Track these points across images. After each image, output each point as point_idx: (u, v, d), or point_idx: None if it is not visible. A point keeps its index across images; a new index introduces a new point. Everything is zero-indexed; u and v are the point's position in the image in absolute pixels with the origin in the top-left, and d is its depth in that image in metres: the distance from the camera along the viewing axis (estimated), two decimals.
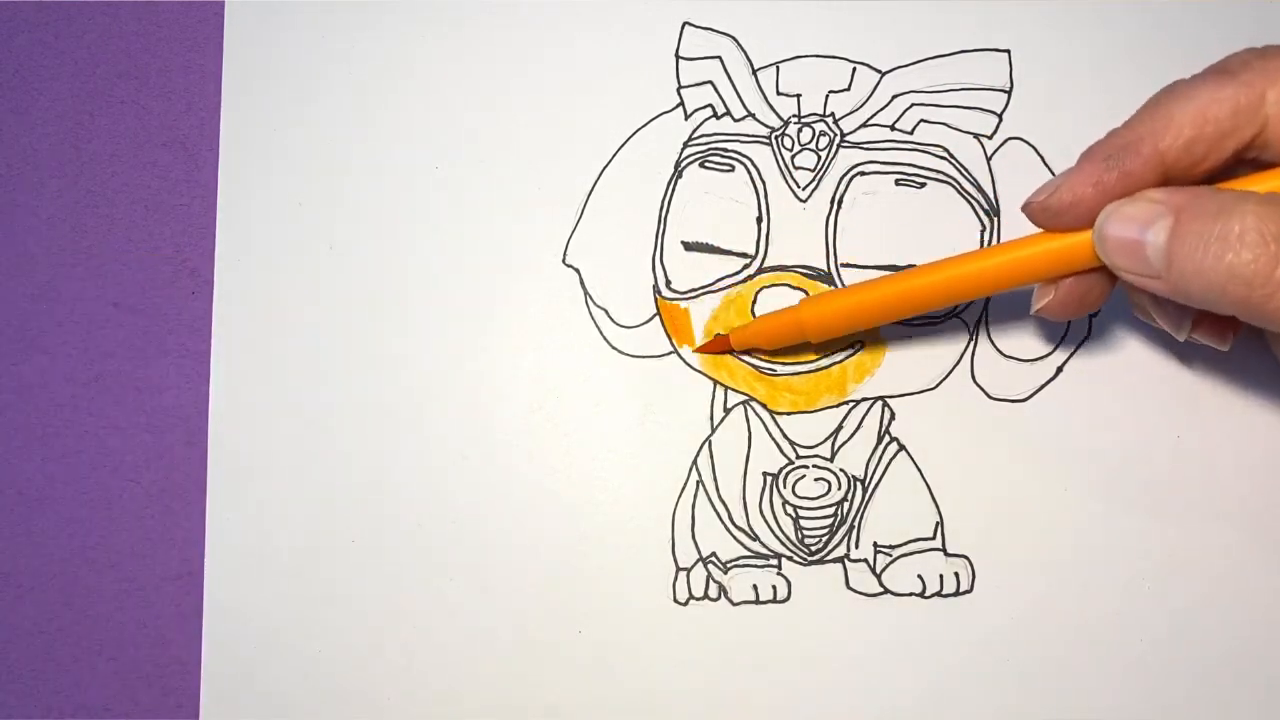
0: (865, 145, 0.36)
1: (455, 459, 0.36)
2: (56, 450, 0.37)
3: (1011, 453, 0.35)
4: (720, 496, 0.35)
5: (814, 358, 0.36)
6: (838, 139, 0.36)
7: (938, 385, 0.36)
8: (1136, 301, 0.32)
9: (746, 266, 0.36)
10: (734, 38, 0.37)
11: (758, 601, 0.35)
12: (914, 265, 0.36)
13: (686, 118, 0.37)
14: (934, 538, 0.35)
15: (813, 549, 0.35)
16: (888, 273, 0.36)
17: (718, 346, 0.35)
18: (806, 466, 0.35)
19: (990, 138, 0.36)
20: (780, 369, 0.36)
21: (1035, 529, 0.35)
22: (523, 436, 0.36)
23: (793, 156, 0.36)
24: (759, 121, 0.36)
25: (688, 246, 0.36)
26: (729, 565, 0.35)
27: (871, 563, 0.35)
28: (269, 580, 0.36)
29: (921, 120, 0.36)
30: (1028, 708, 0.34)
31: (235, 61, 0.38)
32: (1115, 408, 0.35)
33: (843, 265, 0.36)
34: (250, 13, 0.38)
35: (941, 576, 0.35)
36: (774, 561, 0.35)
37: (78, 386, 0.37)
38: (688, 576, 0.35)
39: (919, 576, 0.35)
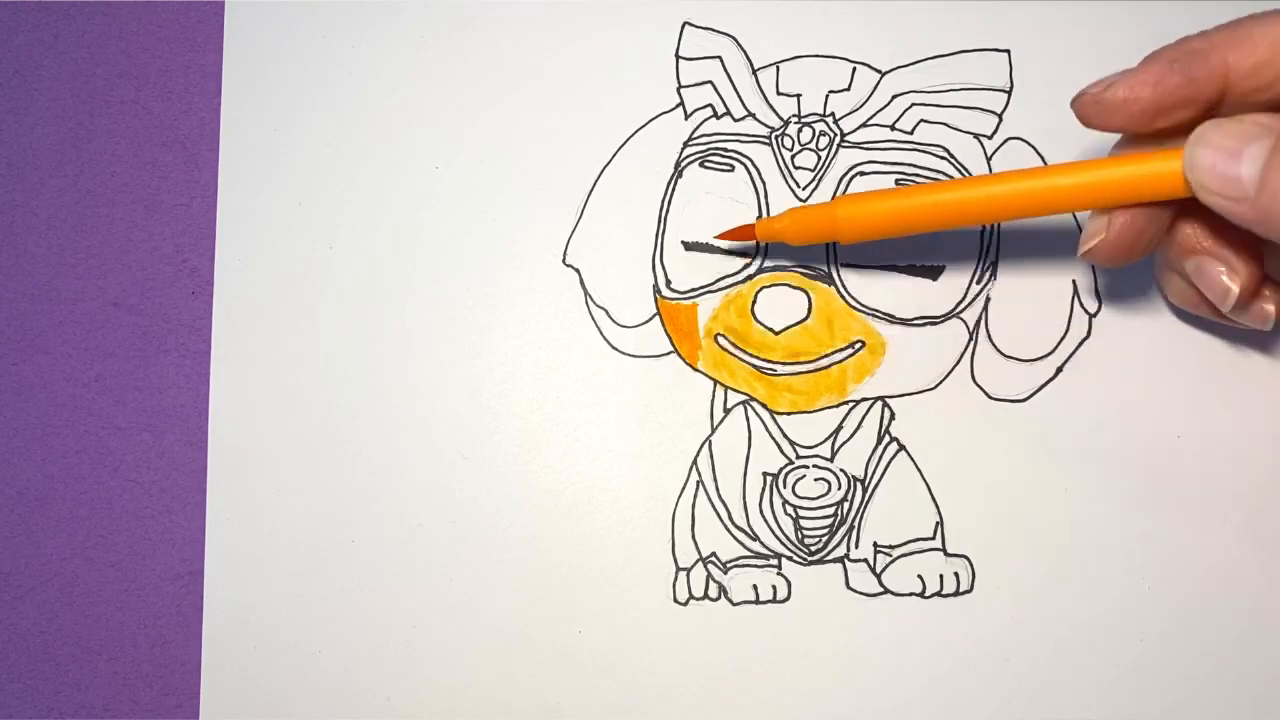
0: (865, 145, 0.36)
1: (455, 459, 0.36)
2: (56, 450, 0.37)
3: (1011, 453, 0.35)
4: (720, 496, 0.35)
5: (814, 357, 0.36)
6: (838, 139, 0.36)
7: (938, 385, 0.36)
8: (1173, 285, 0.32)
9: (746, 266, 0.36)
10: (734, 38, 0.37)
11: (758, 601, 0.35)
12: (914, 266, 0.36)
13: (686, 118, 0.37)
14: (934, 538, 0.35)
15: (813, 549, 0.35)
16: (891, 277, 0.36)
17: (742, 235, 0.34)
18: (806, 466, 0.35)
19: (990, 138, 0.36)
20: (780, 369, 0.36)
21: (1035, 529, 0.35)
22: (523, 436, 0.36)
23: (793, 156, 0.36)
24: (759, 121, 0.36)
25: (688, 246, 0.36)
26: (729, 565, 0.35)
27: (871, 563, 0.35)
28: (269, 580, 0.36)
29: (921, 120, 0.36)
30: (1028, 708, 0.34)
31: (235, 61, 0.38)
32: (1115, 408, 0.35)
33: (843, 265, 0.36)
34: (250, 13, 0.38)
35: (941, 576, 0.35)
36: (774, 561, 0.35)
37: (78, 386, 0.37)
38: (688, 576, 0.35)
39: (919, 576, 0.35)
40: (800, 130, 0.36)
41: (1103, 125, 0.29)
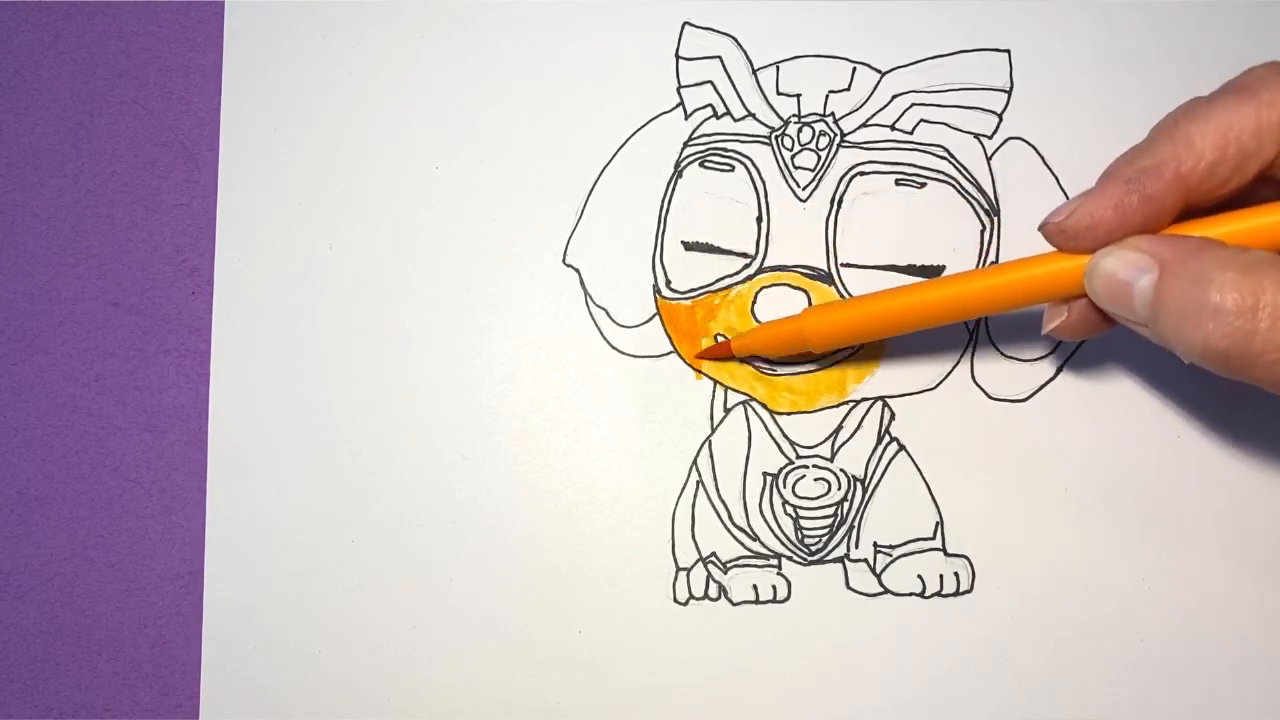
0: (865, 145, 0.36)
1: (455, 459, 0.36)
2: (56, 450, 0.37)
3: (1011, 453, 0.35)
4: (720, 496, 0.35)
5: (814, 357, 0.36)
6: (838, 139, 0.36)
7: (938, 385, 0.36)
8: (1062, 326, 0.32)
9: (746, 266, 0.36)
10: (734, 38, 0.37)
11: (758, 601, 0.35)
12: (914, 265, 0.36)
13: (686, 118, 0.37)
14: (934, 538, 0.35)
15: (813, 549, 0.35)
16: (892, 277, 0.36)
17: (719, 352, 0.35)
18: (806, 466, 0.35)
19: (990, 138, 0.36)
20: (780, 369, 0.36)
21: (1035, 529, 0.35)
22: (523, 436, 0.36)
23: (793, 156, 0.36)
24: (759, 121, 0.36)
25: (688, 246, 0.36)
26: (729, 565, 0.35)
27: (871, 563, 0.35)
28: (269, 580, 0.36)
29: (921, 120, 0.36)
30: (1028, 708, 0.34)
31: (235, 61, 0.38)
32: (1115, 408, 0.35)
33: (843, 265, 0.36)
34: (250, 13, 0.38)
35: (941, 576, 0.35)
36: (774, 561, 0.35)
37: (78, 386, 0.37)
38: (688, 576, 0.35)
39: (919, 576, 0.35)
40: (800, 130, 0.36)
41: (1073, 250, 0.29)
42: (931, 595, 0.35)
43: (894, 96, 0.36)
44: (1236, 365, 0.25)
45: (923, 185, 0.36)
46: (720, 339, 0.36)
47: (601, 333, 0.36)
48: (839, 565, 0.35)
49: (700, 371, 0.36)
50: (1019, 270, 0.30)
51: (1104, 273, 0.28)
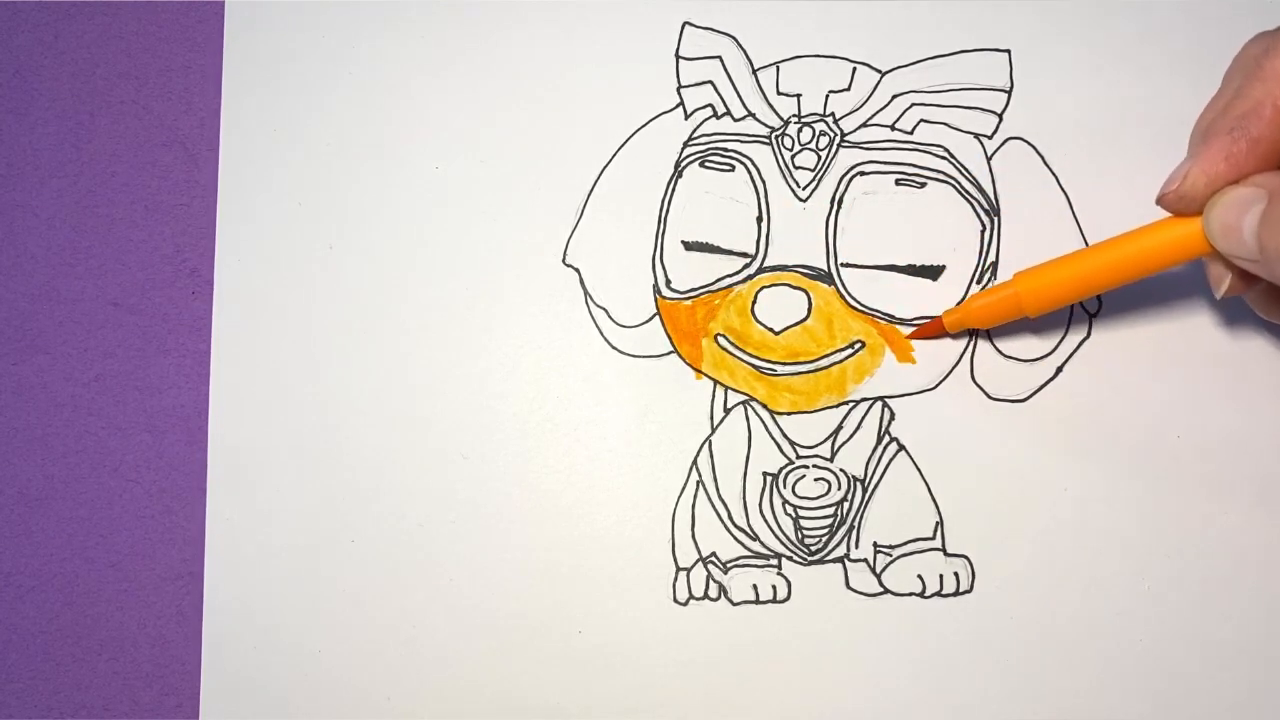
0: (865, 145, 0.36)
1: (455, 459, 0.36)
2: (56, 450, 0.37)
3: (1011, 453, 0.35)
4: (720, 496, 0.35)
5: (814, 357, 0.36)
6: (838, 139, 0.36)
7: (938, 385, 0.36)
8: (1253, 298, 0.32)
9: (747, 266, 0.36)
10: (734, 38, 0.37)
11: (758, 601, 0.35)
12: (914, 265, 0.36)
13: (686, 117, 0.37)
14: (934, 538, 0.35)
15: (813, 549, 0.35)
16: (892, 277, 0.36)
17: (931, 331, 0.35)
18: (806, 466, 0.35)
19: (990, 138, 0.36)
20: (780, 369, 0.36)
21: (1035, 529, 0.35)
22: (522, 436, 0.36)
23: (793, 156, 0.36)
24: (759, 121, 0.36)
25: (688, 246, 0.36)
26: (729, 565, 0.35)
27: (871, 563, 0.35)
28: (269, 580, 0.36)
29: (921, 120, 0.36)
30: (1028, 708, 0.34)
31: (235, 61, 0.38)
32: (1115, 408, 0.35)
33: (843, 265, 0.36)
34: (250, 13, 0.38)
35: (941, 576, 0.35)
36: (774, 561, 0.35)
37: (78, 386, 0.37)
38: (688, 576, 0.35)
39: (919, 576, 0.35)
40: (800, 130, 0.36)
41: (1194, 212, 0.29)
42: (931, 595, 0.35)
43: (894, 96, 0.36)
44: None
45: (923, 185, 0.36)
46: (720, 340, 0.36)
47: (601, 333, 0.36)
48: (839, 565, 0.35)
49: (700, 371, 0.36)
50: (1156, 234, 0.30)
51: (1219, 210, 0.27)
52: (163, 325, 0.37)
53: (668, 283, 0.36)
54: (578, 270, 0.37)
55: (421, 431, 0.36)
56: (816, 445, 0.36)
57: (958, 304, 0.35)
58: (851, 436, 0.36)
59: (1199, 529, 0.35)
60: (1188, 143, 0.30)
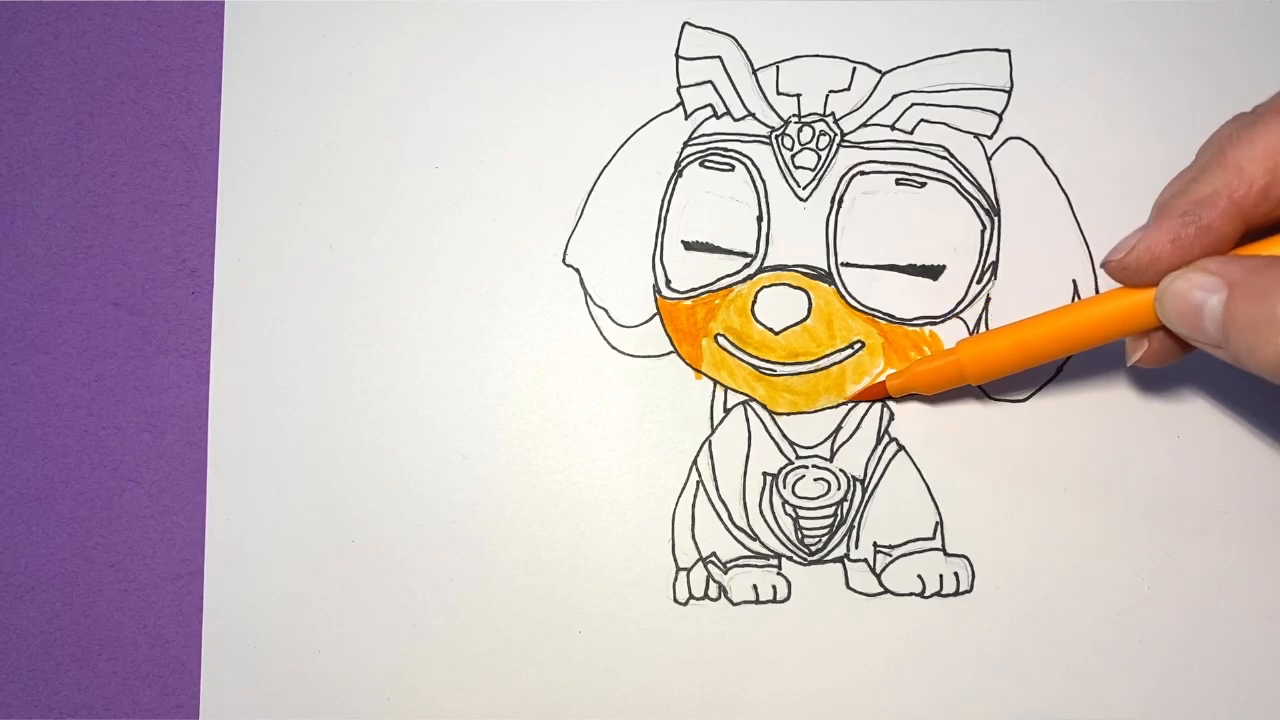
0: (865, 145, 0.36)
1: (455, 459, 0.36)
2: (56, 450, 0.37)
3: (1011, 453, 0.35)
4: (720, 496, 0.35)
5: (814, 357, 0.36)
6: (838, 138, 0.36)
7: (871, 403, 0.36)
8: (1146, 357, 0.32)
9: (747, 266, 0.36)
10: (734, 37, 0.37)
11: (758, 601, 0.35)
12: (914, 265, 0.36)
13: (686, 117, 0.37)
14: (934, 538, 0.35)
15: (813, 549, 0.35)
16: (892, 277, 0.36)
17: (873, 394, 0.35)
18: (806, 466, 0.35)
19: (990, 137, 0.36)
20: (780, 369, 0.36)
21: (1035, 529, 0.35)
22: (523, 436, 0.36)
23: (793, 156, 0.36)
24: (759, 121, 0.36)
25: (688, 246, 0.36)
26: (729, 565, 0.35)
27: (871, 563, 0.35)
28: (269, 580, 0.36)
29: (921, 120, 0.36)
30: (1028, 708, 0.34)
31: (235, 61, 0.38)
32: (1115, 408, 0.35)
33: (843, 265, 0.36)
34: (250, 13, 0.38)
35: (941, 576, 0.35)
36: (774, 561, 0.35)
37: (78, 386, 0.37)
38: (688, 576, 0.35)
39: (919, 576, 0.35)
40: (800, 130, 0.36)
41: (1137, 285, 0.29)
42: (931, 595, 0.35)
43: (894, 96, 0.36)
44: None
45: (923, 185, 0.36)
46: (720, 340, 0.36)
47: (601, 333, 0.36)
48: (839, 565, 0.35)
49: (700, 371, 0.36)
50: (1102, 305, 0.30)
51: (1174, 296, 0.28)
52: (163, 325, 0.37)
53: (668, 283, 0.36)
54: (578, 270, 0.37)
55: (421, 431, 0.36)
56: (816, 445, 0.36)
57: (900, 370, 0.35)
58: (851, 437, 0.36)
59: (1199, 529, 0.35)
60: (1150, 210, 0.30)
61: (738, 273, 0.36)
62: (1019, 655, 0.35)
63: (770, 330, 0.35)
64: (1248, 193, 0.27)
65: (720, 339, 0.36)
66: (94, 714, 0.36)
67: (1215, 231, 0.28)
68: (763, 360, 0.36)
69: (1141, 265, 0.28)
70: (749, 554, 0.35)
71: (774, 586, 0.35)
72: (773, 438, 0.36)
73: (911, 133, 0.36)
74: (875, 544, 0.35)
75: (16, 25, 0.39)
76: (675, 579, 0.35)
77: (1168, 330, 0.29)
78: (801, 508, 0.35)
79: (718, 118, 0.37)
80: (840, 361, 0.36)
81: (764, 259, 0.36)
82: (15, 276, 0.38)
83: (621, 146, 0.37)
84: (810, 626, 0.35)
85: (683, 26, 0.37)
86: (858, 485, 0.35)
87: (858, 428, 0.36)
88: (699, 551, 0.35)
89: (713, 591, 0.35)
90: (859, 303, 0.36)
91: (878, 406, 0.36)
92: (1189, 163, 0.29)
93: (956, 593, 0.35)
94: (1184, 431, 0.35)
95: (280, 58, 0.38)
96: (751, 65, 0.37)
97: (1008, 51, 0.37)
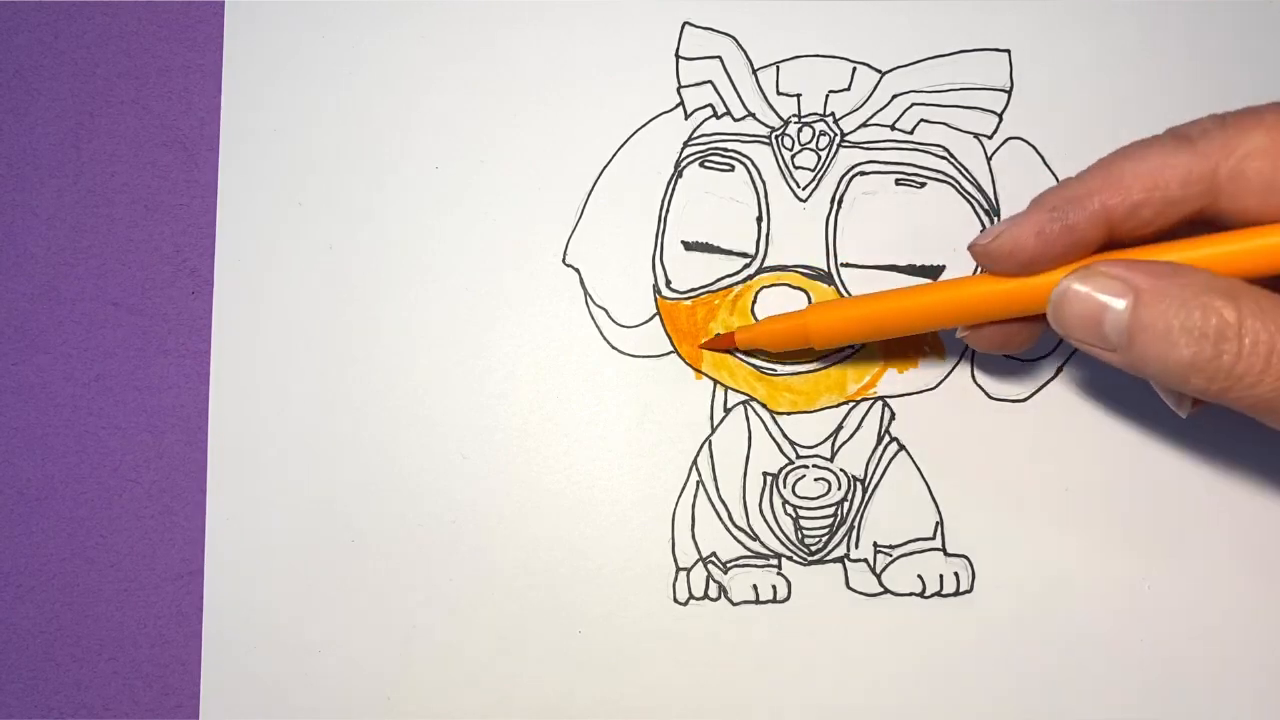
0: (865, 145, 0.36)
1: (455, 459, 0.36)
2: (56, 450, 0.37)
3: (1011, 453, 0.35)
4: (720, 496, 0.35)
5: (813, 357, 0.36)
6: (838, 139, 0.36)
7: (938, 385, 0.36)
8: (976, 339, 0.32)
9: (747, 266, 0.36)
10: (734, 37, 0.37)
11: (758, 601, 0.35)
12: (914, 265, 0.36)
13: (686, 117, 0.37)
14: (934, 538, 0.35)
15: (813, 549, 0.35)
16: (892, 277, 0.36)
17: (722, 344, 0.35)
18: (806, 466, 0.35)
19: (990, 138, 0.36)
20: (780, 369, 0.36)
21: (1035, 529, 0.35)
22: (523, 436, 0.36)
23: (793, 156, 0.36)
24: (759, 121, 0.36)
25: (688, 246, 0.36)
26: (729, 565, 0.35)
27: (871, 563, 0.35)
28: (269, 580, 0.36)
29: (921, 120, 0.36)
30: (1028, 708, 0.34)
31: (235, 61, 0.38)
32: (1115, 408, 0.35)
33: (843, 265, 0.36)
34: (250, 13, 0.38)
35: (941, 576, 0.35)
36: (774, 561, 0.35)
37: (78, 386, 0.37)
38: (688, 576, 0.35)
39: (919, 576, 0.35)
40: (800, 130, 0.36)
41: (998, 272, 0.29)
42: (931, 595, 0.35)
43: (894, 96, 0.36)
44: (1217, 389, 0.26)
45: (923, 185, 0.36)
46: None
47: (601, 333, 0.36)
48: (839, 565, 0.35)
49: (700, 371, 0.36)
50: (981, 285, 0.30)
51: (1076, 298, 0.27)
52: (163, 325, 0.37)
53: (668, 283, 0.36)
54: (578, 270, 0.37)
55: (421, 431, 0.36)
56: (816, 445, 0.36)
57: (748, 325, 0.35)
58: (852, 436, 0.36)
59: (1199, 529, 0.35)
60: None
61: (738, 273, 0.36)
62: (1019, 655, 0.35)
63: None
64: (1119, 204, 0.27)
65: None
66: (94, 714, 0.36)
67: (1079, 233, 0.27)
68: (764, 360, 0.36)
69: (1003, 254, 0.28)
70: (749, 554, 0.35)
71: (774, 586, 0.35)
72: (773, 437, 0.36)
73: (911, 133, 0.36)
74: (875, 544, 0.35)
75: (16, 25, 0.39)
76: (675, 579, 0.35)
77: (1013, 320, 0.30)
78: (802, 508, 0.35)
79: (718, 118, 0.37)
80: (840, 361, 0.36)
81: (764, 259, 0.36)
82: (15, 276, 0.38)
83: (621, 146, 0.37)
84: (810, 626, 0.35)
85: (683, 26, 0.37)
86: (858, 485, 0.35)
87: (858, 428, 0.36)
88: (699, 551, 0.35)
89: (713, 591, 0.35)
90: None
91: (878, 406, 0.36)
92: None
93: (956, 593, 0.35)
94: (1184, 431, 0.35)
95: (280, 58, 0.38)
96: (751, 65, 0.37)
97: (1008, 51, 0.37)
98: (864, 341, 0.34)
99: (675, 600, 0.35)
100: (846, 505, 0.35)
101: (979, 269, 0.30)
